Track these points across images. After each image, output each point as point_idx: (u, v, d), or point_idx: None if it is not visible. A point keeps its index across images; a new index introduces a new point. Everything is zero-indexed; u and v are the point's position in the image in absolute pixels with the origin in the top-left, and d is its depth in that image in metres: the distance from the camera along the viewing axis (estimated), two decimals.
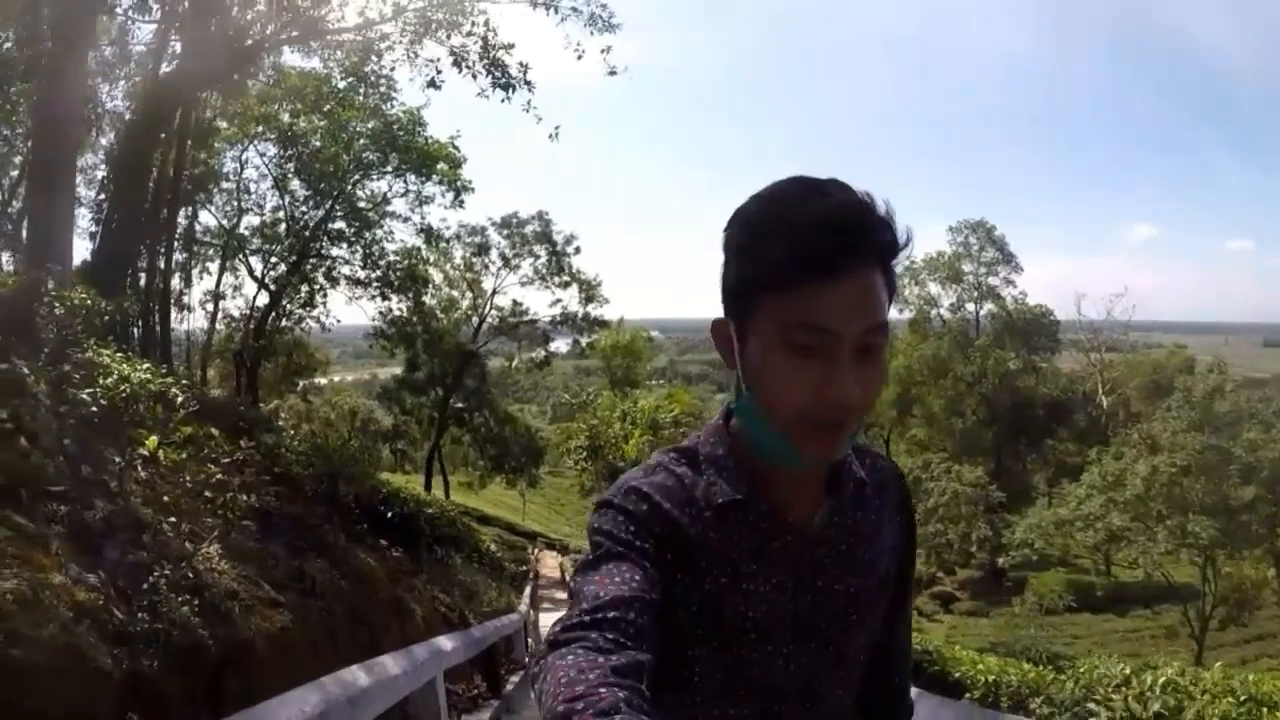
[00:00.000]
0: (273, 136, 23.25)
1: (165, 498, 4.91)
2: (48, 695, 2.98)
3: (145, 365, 5.85)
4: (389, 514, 9.74)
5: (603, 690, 0.86)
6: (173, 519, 4.51)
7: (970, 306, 44.87)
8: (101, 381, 4.62)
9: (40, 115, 11.50)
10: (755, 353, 1.09)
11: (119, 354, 5.78)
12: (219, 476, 5.57)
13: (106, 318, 6.38)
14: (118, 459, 4.66)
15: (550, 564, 26.03)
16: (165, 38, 15.84)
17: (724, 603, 1.14)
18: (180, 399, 5.27)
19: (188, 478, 5.39)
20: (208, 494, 5.31)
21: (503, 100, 15.98)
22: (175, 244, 18.14)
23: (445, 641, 5.69)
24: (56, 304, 5.63)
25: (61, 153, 10.79)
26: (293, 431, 14.26)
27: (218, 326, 24.62)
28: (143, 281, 15.02)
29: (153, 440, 4.64)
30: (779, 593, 1.16)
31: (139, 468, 4.76)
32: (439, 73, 16.45)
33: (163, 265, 16.59)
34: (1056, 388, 44.52)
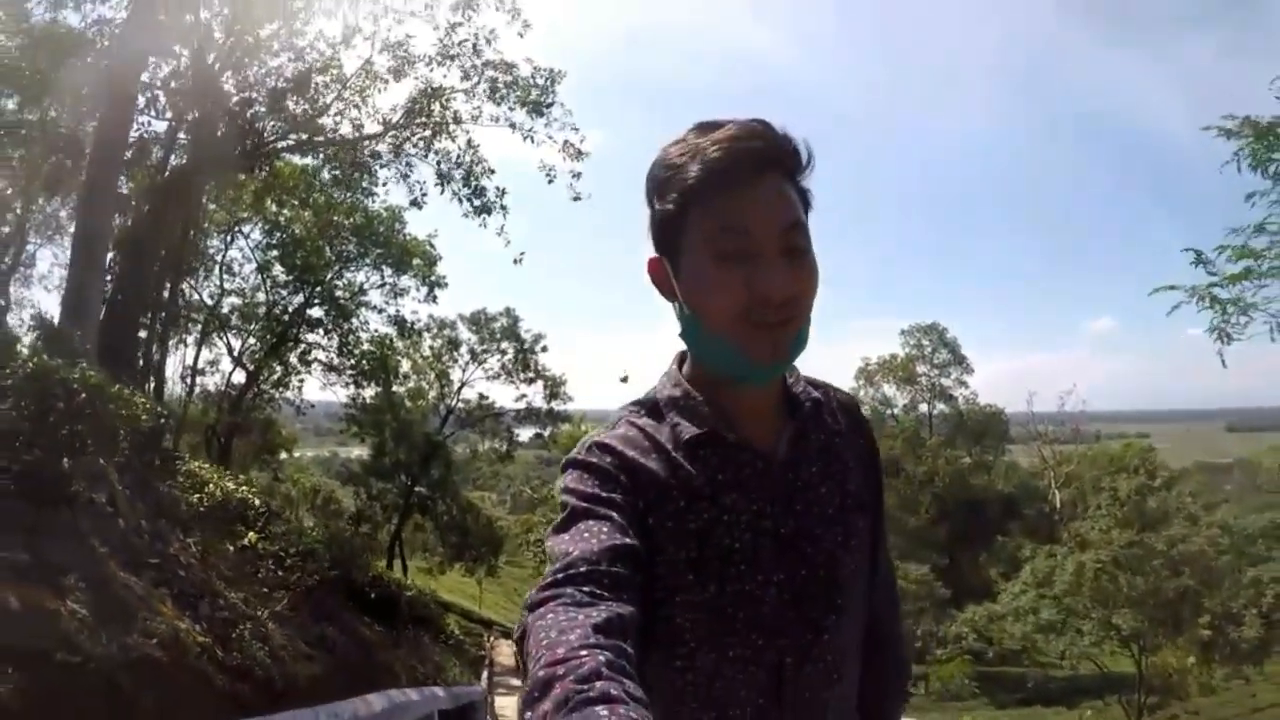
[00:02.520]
0: (260, 223, 24.83)
1: (223, 569, 6.45)
2: (193, 708, 4.51)
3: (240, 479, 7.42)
4: (373, 594, 11.23)
5: (583, 653, 0.87)
6: (237, 590, 6.05)
7: (924, 407, 46.93)
8: (207, 489, 6.21)
9: (83, 212, 13.16)
10: (689, 273, 1.18)
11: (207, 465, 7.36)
12: (259, 553, 7.12)
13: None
14: (191, 540, 6.20)
15: (505, 653, 26.88)
16: (174, 134, 17.75)
17: (707, 537, 1.16)
18: (258, 504, 6.91)
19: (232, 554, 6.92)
20: (251, 568, 6.86)
21: (480, 225, 17.68)
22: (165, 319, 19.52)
23: (439, 690, 7.17)
24: (123, 407, 6.92)
25: (100, 236, 12.58)
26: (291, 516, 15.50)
27: (193, 400, 25.68)
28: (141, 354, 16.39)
29: (252, 535, 6.25)
30: (760, 519, 1.18)
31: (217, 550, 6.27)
32: (424, 194, 18.26)
33: (159, 340, 18.01)
34: (1011, 484, 46.18)
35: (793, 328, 1.17)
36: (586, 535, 1.07)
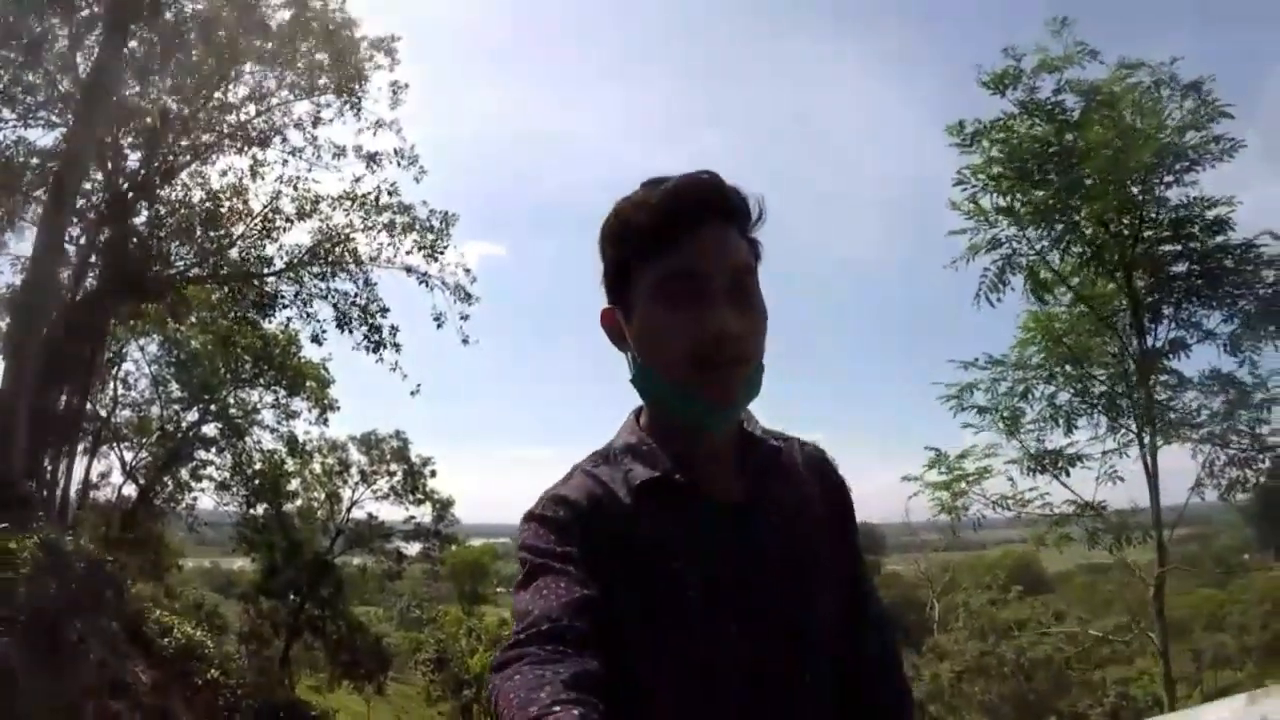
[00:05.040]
0: (157, 337, 25.56)
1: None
2: None
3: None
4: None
5: (557, 709, 0.90)
6: None
7: None
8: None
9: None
10: (640, 319, 1.24)
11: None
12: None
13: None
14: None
15: None
16: (84, 265, 18.33)
17: (660, 585, 1.17)
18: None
19: None
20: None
21: (376, 360, 19.04)
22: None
23: None
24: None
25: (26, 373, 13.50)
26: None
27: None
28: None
29: None
30: (713, 566, 1.19)
31: None
32: (324, 331, 19.46)
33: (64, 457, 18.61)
34: (891, 595, 47.99)
35: (742, 370, 1.21)
36: (545, 592, 1.10)
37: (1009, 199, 7.49)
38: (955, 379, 8.19)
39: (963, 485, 8.17)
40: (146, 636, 10.26)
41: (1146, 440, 7.41)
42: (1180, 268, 7.26)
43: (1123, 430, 7.68)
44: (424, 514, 33.01)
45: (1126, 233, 7.30)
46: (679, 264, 1.20)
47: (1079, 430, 7.85)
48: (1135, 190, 7.18)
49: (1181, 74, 7.07)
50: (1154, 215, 7.29)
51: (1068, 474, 7.82)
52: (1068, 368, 7.88)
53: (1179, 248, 7.27)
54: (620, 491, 1.24)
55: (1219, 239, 7.13)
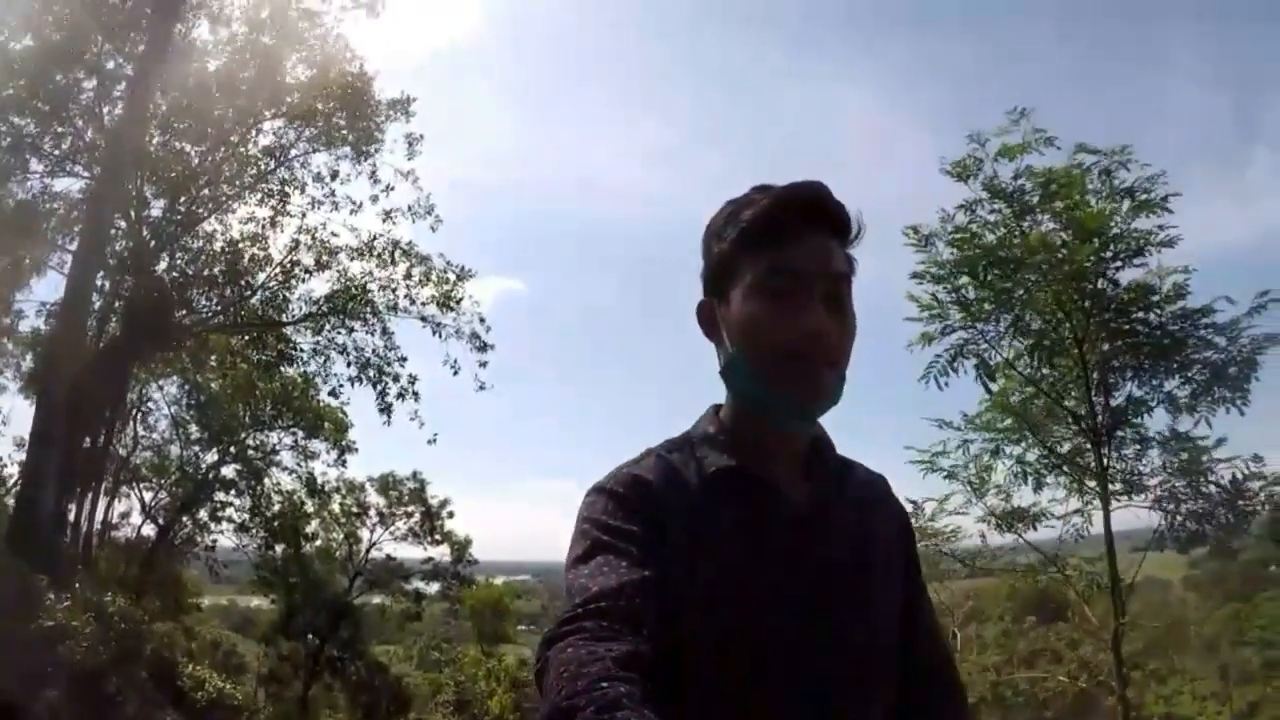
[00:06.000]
0: (177, 380, 25.89)
1: None
2: None
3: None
4: None
5: (605, 685, 0.90)
6: None
7: None
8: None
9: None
10: (738, 310, 1.28)
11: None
12: None
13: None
14: None
15: None
16: (108, 312, 19.19)
17: (726, 580, 1.19)
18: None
19: None
20: None
21: (384, 423, 19.69)
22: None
23: None
24: None
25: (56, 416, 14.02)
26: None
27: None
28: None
29: None
30: (780, 566, 1.22)
31: None
32: (340, 385, 20.16)
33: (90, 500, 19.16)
34: None
35: (830, 372, 1.25)
36: (607, 569, 1.11)
37: (959, 295, 7.84)
38: (929, 434, 8.47)
39: (935, 543, 8.49)
40: (180, 689, 10.63)
41: (1110, 498, 7.68)
42: (1136, 338, 7.59)
43: (1085, 490, 7.99)
44: (442, 553, 33.42)
45: (1078, 316, 7.64)
46: (784, 261, 1.25)
47: (1047, 488, 8.16)
48: (1085, 281, 7.50)
49: (1138, 156, 7.41)
50: (1107, 294, 7.63)
51: (1034, 529, 8.16)
52: (1030, 433, 8.18)
53: (1132, 322, 7.59)
54: (692, 479, 1.27)
55: (1176, 306, 7.48)
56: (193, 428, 27.24)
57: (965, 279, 7.75)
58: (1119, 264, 7.51)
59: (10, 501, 17.25)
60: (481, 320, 19.68)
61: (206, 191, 19.75)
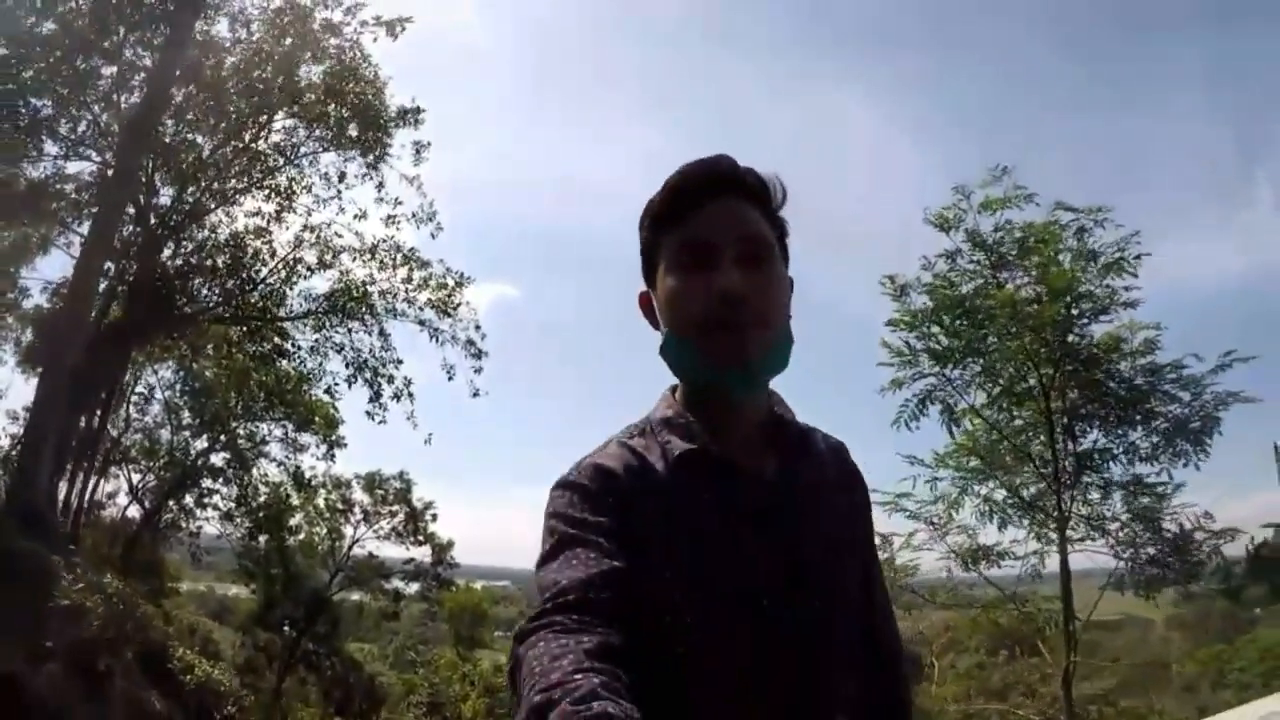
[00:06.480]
0: (173, 365, 26.22)
1: None
2: None
3: None
4: None
5: (578, 677, 0.91)
6: None
7: None
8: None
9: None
10: (662, 290, 1.31)
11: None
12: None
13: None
14: None
15: None
16: (111, 295, 19.42)
17: (699, 557, 1.19)
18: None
19: None
20: None
21: (379, 423, 20.03)
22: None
23: None
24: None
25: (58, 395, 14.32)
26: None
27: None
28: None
29: None
30: (751, 542, 1.23)
31: None
32: (336, 384, 20.54)
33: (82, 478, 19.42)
34: None
35: (757, 331, 1.25)
36: (574, 562, 1.11)
37: (931, 343, 8.20)
38: (896, 469, 8.79)
39: (896, 578, 8.82)
40: (168, 670, 10.91)
41: (1068, 541, 8.03)
42: (1103, 389, 7.96)
43: (1043, 534, 8.36)
44: (424, 554, 33.55)
45: (1047, 367, 7.97)
46: (689, 234, 1.28)
47: (1011, 528, 8.51)
48: (1054, 334, 7.81)
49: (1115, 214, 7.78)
50: (1076, 346, 7.97)
51: (998, 566, 8.52)
52: (998, 473, 8.54)
53: (1100, 374, 7.93)
54: (658, 464, 1.27)
55: (1145, 360, 7.86)
56: (185, 413, 27.51)
57: (936, 328, 8.12)
58: (1085, 320, 7.89)
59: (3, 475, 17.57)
60: (477, 327, 20.12)
61: (215, 184, 20.10)
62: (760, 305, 1.25)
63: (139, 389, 26.86)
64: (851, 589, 1.35)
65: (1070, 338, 7.90)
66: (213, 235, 20.43)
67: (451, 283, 19.95)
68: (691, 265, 1.26)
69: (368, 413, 19.81)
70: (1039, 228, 7.92)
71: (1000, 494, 8.50)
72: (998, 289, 7.95)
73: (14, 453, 19.04)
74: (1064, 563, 7.92)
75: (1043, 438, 8.23)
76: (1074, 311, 7.77)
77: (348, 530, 33.19)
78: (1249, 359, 7.47)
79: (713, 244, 1.26)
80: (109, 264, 18.99)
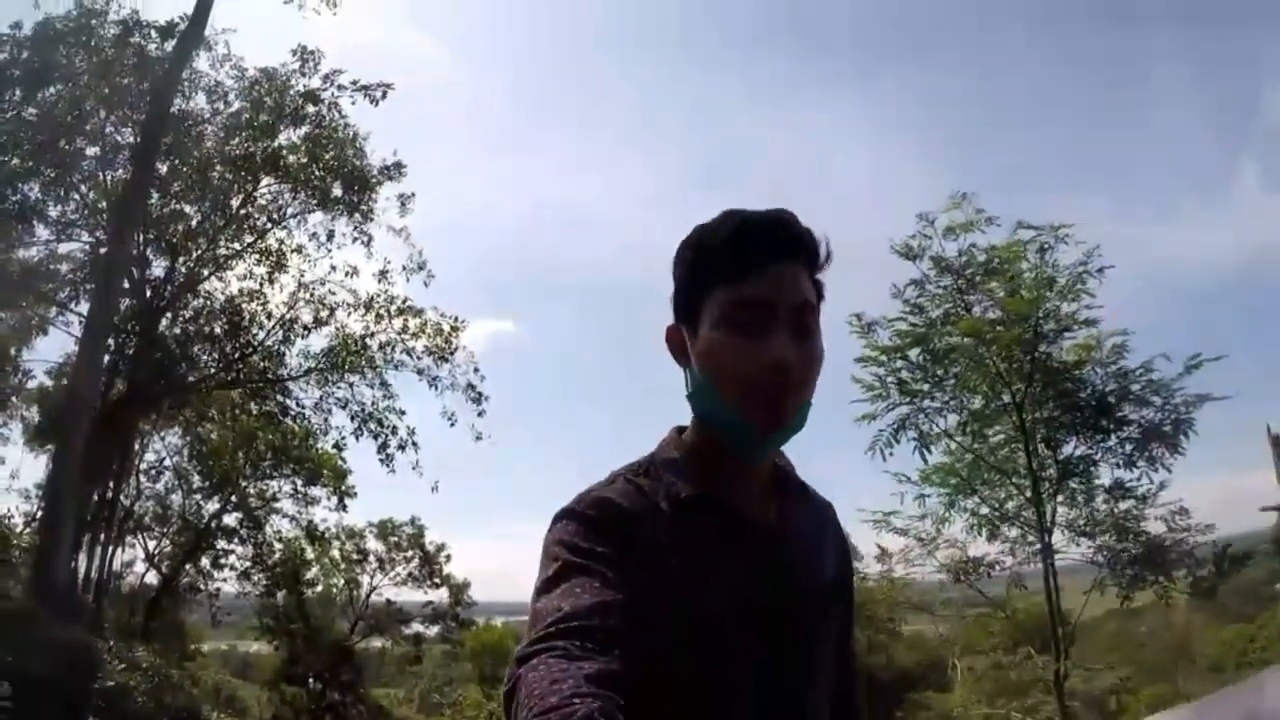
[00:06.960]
0: (178, 429, 26.40)
1: None
2: None
3: None
4: None
5: (576, 701, 0.91)
6: None
7: None
8: None
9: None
10: (707, 339, 1.29)
11: None
12: None
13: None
14: None
15: None
16: (114, 369, 19.52)
17: (693, 598, 1.20)
18: None
19: None
20: None
21: (388, 473, 20.28)
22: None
23: None
24: None
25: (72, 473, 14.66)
26: None
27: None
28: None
29: None
30: (745, 586, 1.25)
31: None
32: (343, 438, 20.82)
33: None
34: (913, 659, 47.48)
35: (794, 401, 1.27)
36: (578, 590, 1.12)
37: (899, 376, 8.50)
38: (884, 487, 9.05)
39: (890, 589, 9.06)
40: None
41: (1051, 549, 8.29)
42: (1075, 399, 8.22)
43: (1030, 541, 8.61)
44: (441, 596, 33.79)
45: (1018, 383, 8.23)
46: (751, 293, 1.26)
47: (998, 540, 8.77)
48: (1022, 353, 8.09)
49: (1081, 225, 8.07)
50: (1045, 361, 8.25)
51: (989, 576, 8.77)
52: (982, 489, 8.81)
53: (1072, 385, 8.20)
54: (661, 503, 1.28)
55: (1114, 366, 8.14)
56: (195, 477, 27.75)
57: (901, 363, 8.40)
58: (1049, 338, 8.18)
59: (17, 553, 17.79)
60: (476, 369, 20.39)
61: (207, 251, 20.41)
62: (804, 375, 1.27)
63: (148, 457, 27.03)
64: (833, 638, 1.40)
65: (1038, 354, 8.15)
66: (208, 302, 20.75)
67: (447, 327, 20.22)
68: (747, 325, 1.26)
69: (380, 460, 20.05)
70: (1001, 249, 8.18)
71: (986, 508, 8.75)
72: (966, 312, 8.21)
73: (32, 533, 19.26)
74: (1048, 571, 8.18)
75: (1024, 450, 8.49)
76: (1039, 331, 8.03)
77: (364, 579, 33.44)
78: (1218, 358, 7.75)
79: (771, 307, 1.26)
80: (110, 340, 19.23)
